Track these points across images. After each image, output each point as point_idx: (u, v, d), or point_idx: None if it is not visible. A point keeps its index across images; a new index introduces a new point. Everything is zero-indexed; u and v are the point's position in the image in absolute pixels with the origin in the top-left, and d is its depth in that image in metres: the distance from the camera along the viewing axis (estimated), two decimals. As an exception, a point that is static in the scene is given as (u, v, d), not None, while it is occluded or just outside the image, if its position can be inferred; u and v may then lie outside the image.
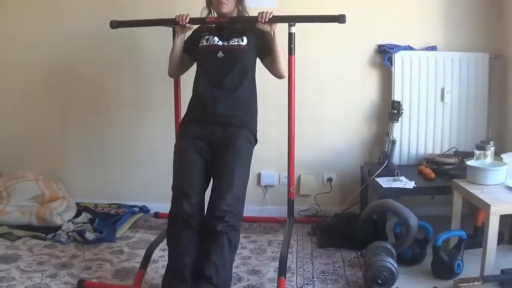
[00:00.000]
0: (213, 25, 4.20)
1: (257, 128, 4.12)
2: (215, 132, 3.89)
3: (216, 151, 3.85)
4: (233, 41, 4.06)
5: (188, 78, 4.37)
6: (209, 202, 3.64)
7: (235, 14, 4.19)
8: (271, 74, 4.18)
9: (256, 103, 4.19)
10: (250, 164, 3.93)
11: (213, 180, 3.78)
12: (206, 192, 3.79)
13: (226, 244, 3.48)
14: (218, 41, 4.08)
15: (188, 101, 4.15)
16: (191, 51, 4.25)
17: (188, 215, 3.59)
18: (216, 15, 4.21)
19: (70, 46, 5.40)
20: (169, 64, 4.30)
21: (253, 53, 4.14)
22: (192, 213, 3.60)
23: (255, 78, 4.16)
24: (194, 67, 4.25)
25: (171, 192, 4.03)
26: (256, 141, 4.08)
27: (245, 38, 4.08)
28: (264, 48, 4.12)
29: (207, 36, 4.14)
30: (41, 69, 5.49)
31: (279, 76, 4.14)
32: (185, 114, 4.13)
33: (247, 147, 3.92)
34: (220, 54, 4.03)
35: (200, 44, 4.13)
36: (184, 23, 4.06)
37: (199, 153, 3.84)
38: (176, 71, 4.34)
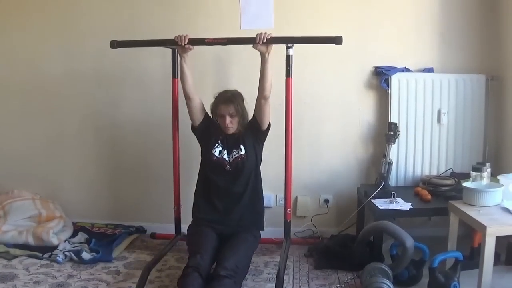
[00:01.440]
0: (224, 136, 4.48)
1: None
2: (224, 230, 4.34)
3: (225, 240, 4.20)
4: (234, 153, 4.40)
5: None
6: (216, 264, 3.88)
7: (238, 130, 4.46)
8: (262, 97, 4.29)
9: (262, 200, 4.61)
10: (252, 253, 4.29)
11: (219, 252, 4.02)
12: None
13: (228, 283, 3.65)
14: (226, 155, 4.42)
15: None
16: (203, 127, 4.53)
17: (198, 264, 3.76)
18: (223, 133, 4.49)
19: (70, 65, 5.41)
20: (181, 84, 4.44)
21: (252, 154, 4.45)
22: (202, 264, 3.77)
23: (260, 176, 4.52)
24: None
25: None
26: (262, 230, 4.60)
27: (242, 147, 4.41)
28: (252, 126, 4.47)
29: (220, 148, 4.45)
30: (39, 88, 5.48)
31: (263, 98, 4.27)
32: (195, 213, 4.55)
33: (253, 239, 4.35)
34: (228, 167, 4.40)
35: (213, 152, 4.43)
36: (183, 44, 4.16)
37: (212, 236, 4.22)
38: (187, 92, 4.41)
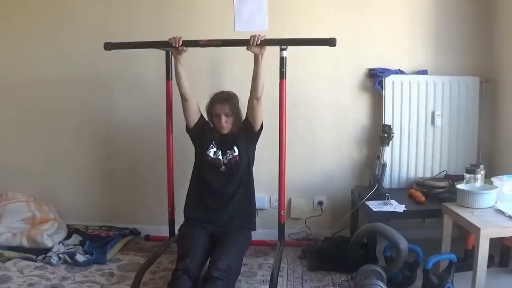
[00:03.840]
0: (218, 137, 4.52)
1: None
2: (215, 230, 4.37)
3: (216, 241, 4.25)
4: (228, 154, 4.45)
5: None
6: (208, 265, 3.90)
7: (232, 131, 4.49)
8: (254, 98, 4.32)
9: (254, 201, 4.63)
10: (244, 253, 4.30)
11: (212, 253, 4.04)
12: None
13: (220, 285, 3.64)
14: (220, 156, 4.46)
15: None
16: (198, 129, 4.54)
17: (188, 267, 3.76)
18: (218, 133, 4.53)
19: (63, 68, 5.40)
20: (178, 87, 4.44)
21: (245, 156, 4.49)
22: (191, 267, 3.78)
23: (253, 177, 4.54)
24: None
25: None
26: (254, 230, 4.63)
27: (235, 148, 4.44)
28: (245, 127, 4.50)
29: (215, 149, 4.48)
30: (33, 90, 5.48)
31: (256, 98, 4.29)
32: (186, 212, 4.58)
33: (244, 239, 4.38)
34: (222, 168, 4.45)
35: (208, 153, 4.46)
36: (177, 46, 4.16)
37: (202, 237, 4.26)
38: (183, 94, 4.41)
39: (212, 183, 4.41)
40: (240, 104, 4.49)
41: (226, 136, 4.45)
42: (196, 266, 3.82)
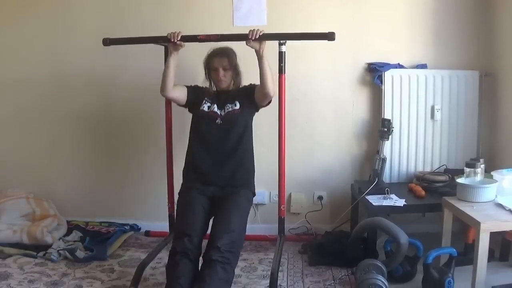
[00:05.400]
0: (213, 93, 4.45)
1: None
2: (215, 191, 4.26)
3: (217, 205, 4.13)
4: (228, 107, 4.32)
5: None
6: (208, 241, 3.80)
7: (231, 86, 4.44)
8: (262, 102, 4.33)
9: (253, 160, 4.49)
10: (247, 217, 4.17)
11: (212, 226, 3.95)
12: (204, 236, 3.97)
13: (220, 271, 3.60)
14: (216, 109, 4.35)
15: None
16: (190, 100, 4.46)
17: (187, 248, 3.73)
18: (215, 88, 4.47)
19: (62, 64, 5.40)
20: (161, 81, 4.32)
21: (247, 112, 4.40)
22: (191, 247, 3.75)
23: (252, 135, 4.44)
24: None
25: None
26: (254, 195, 4.45)
27: (237, 103, 4.34)
28: (249, 95, 4.36)
29: (209, 103, 4.40)
30: (32, 87, 5.48)
31: (266, 95, 4.24)
32: (185, 173, 4.46)
33: (245, 202, 4.23)
34: (218, 120, 4.33)
35: (201, 108, 4.38)
36: (175, 41, 4.15)
37: (202, 205, 4.12)
38: (167, 89, 4.32)
39: (208, 137, 4.33)
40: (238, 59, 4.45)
41: (225, 92, 4.41)
42: (195, 244, 3.78)
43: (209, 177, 4.29)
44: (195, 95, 4.43)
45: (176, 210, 4.28)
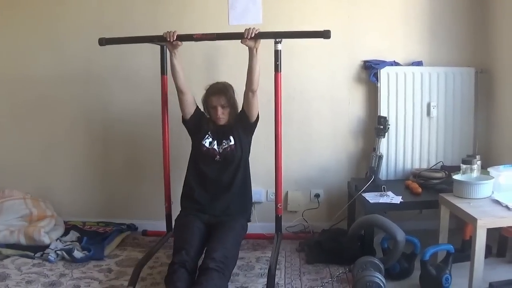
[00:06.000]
0: (213, 127, 4.51)
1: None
2: (211, 219, 4.35)
3: (212, 230, 4.23)
4: (224, 144, 4.45)
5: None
6: (204, 255, 3.89)
7: (229, 121, 4.47)
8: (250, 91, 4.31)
9: (250, 189, 4.62)
10: (240, 242, 4.30)
11: (208, 243, 4.05)
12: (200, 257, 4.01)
13: (216, 277, 3.66)
14: (216, 146, 4.46)
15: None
16: (195, 121, 4.54)
17: (184, 260, 3.80)
18: (214, 124, 4.53)
19: (58, 63, 5.41)
20: (173, 77, 4.43)
21: (243, 144, 4.49)
22: (188, 259, 3.81)
23: (249, 165, 4.53)
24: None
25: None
26: (249, 221, 4.60)
27: (231, 138, 4.44)
28: (242, 117, 4.48)
29: (210, 139, 4.49)
30: (28, 86, 5.48)
31: (252, 90, 4.29)
32: (183, 202, 4.57)
33: (240, 228, 4.33)
34: (217, 158, 4.45)
35: (203, 143, 4.47)
36: (171, 40, 4.16)
37: (198, 227, 4.23)
38: (179, 82, 4.41)
39: (208, 172, 4.42)
40: (236, 95, 4.49)
41: (222, 127, 4.45)
42: (192, 257, 3.84)
43: (206, 209, 4.40)
44: (199, 122, 4.52)
45: (174, 232, 4.38)
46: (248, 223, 4.51)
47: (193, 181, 4.48)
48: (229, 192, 4.39)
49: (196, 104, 4.52)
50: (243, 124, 4.44)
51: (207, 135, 4.45)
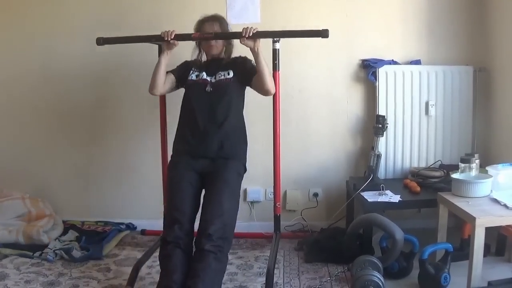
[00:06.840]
0: (203, 62, 4.40)
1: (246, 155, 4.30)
2: (205, 165, 4.07)
3: (207, 182, 4.01)
4: (220, 75, 4.21)
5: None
6: (198, 226, 3.73)
7: (223, 54, 4.37)
8: (258, 93, 4.25)
9: (245, 133, 4.35)
10: (239, 194, 4.05)
11: (202, 208, 3.85)
12: (196, 217, 3.89)
13: (212, 263, 3.55)
14: (206, 76, 4.23)
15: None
16: (179, 78, 4.36)
17: (178, 237, 3.69)
18: (206, 56, 4.41)
19: (56, 63, 5.41)
20: (151, 80, 4.27)
21: (240, 84, 4.26)
22: (182, 236, 3.70)
23: (243, 108, 4.35)
24: (179, 94, 4.37)
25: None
26: (245, 170, 4.25)
27: (231, 72, 4.22)
28: (246, 73, 4.23)
29: (197, 72, 4.29)
30: (26, 86, 5.49)
31: (266, 92, 4.17)
32: (174, 146, 4.29)
33: (236, 177, 4.06)
34: (208, 88, 4.18)
35: (189, 78, 4.28)
36: (169, 39, 4.12)
37: (190, 183, 3.99)
38: (157, 88, 4.28)
39: (198, 105, 4.15)
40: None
41: (217, 60, 4.33)
42: (186, 230, 3.75)
43: (198, 149, 4.11)
44: (182, 71, 4.38)
45: (166, 187, 4.25)
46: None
47: (183, 119, 4.27)
48: (224, 129, 4.11)
49: (170, 71, 4.39)
50: (245, 76, 4.25)
51: (192, 71, 4.30)
